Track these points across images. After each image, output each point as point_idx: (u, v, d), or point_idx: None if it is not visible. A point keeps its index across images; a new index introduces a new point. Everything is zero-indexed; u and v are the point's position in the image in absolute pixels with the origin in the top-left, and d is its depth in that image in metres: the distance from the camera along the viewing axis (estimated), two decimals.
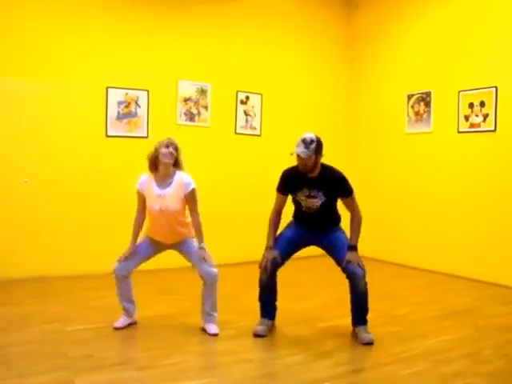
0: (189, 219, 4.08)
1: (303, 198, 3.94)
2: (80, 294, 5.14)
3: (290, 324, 4.31)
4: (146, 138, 6.33)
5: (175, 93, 6.54)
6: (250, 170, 7.05)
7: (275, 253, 3.98)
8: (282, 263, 4.06)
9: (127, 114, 6.24)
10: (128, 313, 4.17)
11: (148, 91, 6.33)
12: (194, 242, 4.06)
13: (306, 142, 3.77)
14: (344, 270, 3.90)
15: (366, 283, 3.89)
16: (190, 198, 3.95)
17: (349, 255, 3.86)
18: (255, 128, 7.17)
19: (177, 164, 3.98)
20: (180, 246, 4.09)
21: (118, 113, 6.18)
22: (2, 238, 5.59)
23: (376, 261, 6.96)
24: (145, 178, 4.06)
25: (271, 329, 4.11)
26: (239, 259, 6.56)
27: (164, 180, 3.95)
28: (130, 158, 6.25)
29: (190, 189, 3.91)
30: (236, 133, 7.00)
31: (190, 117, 6.61)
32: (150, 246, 4.12)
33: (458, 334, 4.11)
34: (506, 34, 5.79)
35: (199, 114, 6.67)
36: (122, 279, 4.11)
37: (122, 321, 4.12)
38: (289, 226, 4.19)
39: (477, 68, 6.13)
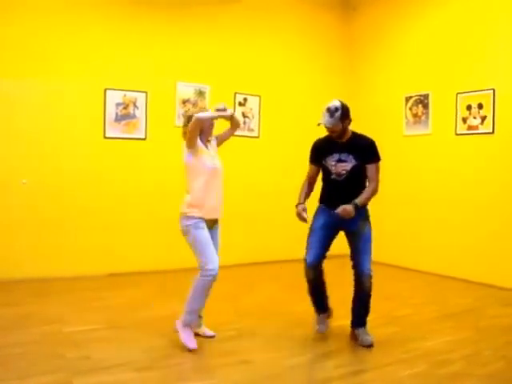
0: None
1: (333, 163, 3.87)
2: (79, 295, 5.13)
3: (290, 325, 4.30)
4: (144, 139, 6.32)
5: (173, 94, 6.54)
6: (248, 172, 7.04)
7: (304, 207, 3.92)
8: (324, 256, 3.98)
9: (125, 115, 6.23)
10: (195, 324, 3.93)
11: (146, 93, 6.32)
12: (218, 226, 4.09)
13: (330, 111, 3.75)
14: (353, 267, 3.93)
15: (371, 284, 3.90)
16: (220, 135, 4.26)
17: (342, 207, 3.71)
18: (253, 130, 7.17)
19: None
20: (213, 228, 3.96)
21: (117, 114, 6.17)
22: (2, 239, 5.57)
23: (374, 263, 6.94)
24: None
25: (328, 320, 4.14)
26: (238, 260, 6.56)
27: (207, 141, 4.04)
28: (129, 160, 6.25)
29: (214, 138, 4.15)
30: (234, 134, 6.98)
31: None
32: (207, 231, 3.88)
33: (458, 336, 4.12)
34: (504, 36, 5.82)
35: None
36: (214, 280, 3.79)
37: (193, 337, 3.77)
38: (316, 215, 4.04)
39: (475, 70, 6.15)
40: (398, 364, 3.50)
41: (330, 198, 3.96)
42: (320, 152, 3.98)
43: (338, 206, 3.75)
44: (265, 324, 4.32)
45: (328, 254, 4.03)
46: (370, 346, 3.83)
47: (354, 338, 3.97)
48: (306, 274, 3.98)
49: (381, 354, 3.69)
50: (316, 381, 3.23)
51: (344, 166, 3.84)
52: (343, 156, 3.85)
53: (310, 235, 4.02)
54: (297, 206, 3.97)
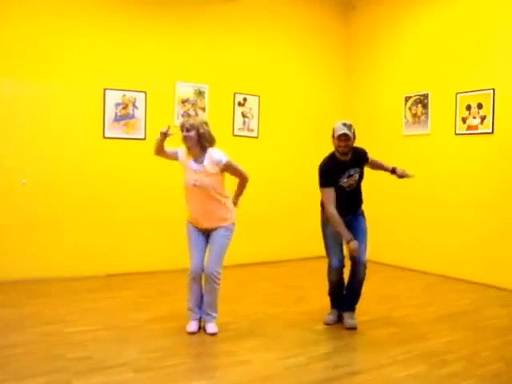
0: (226, 201, 4.10)
1: (345, 180, 4.23)
2: (78, 296, 5.13)
3: (288, 326, 4.31)
4: (144, 139, 6.32)
5: (173, 94, 6.54)
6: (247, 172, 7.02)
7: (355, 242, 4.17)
8: (344, 259, 4.37)
9: (125, 115, 6.23)
10: (198, 317, 4.18)
11: (145, 93, 6.32)
12: (224, 231, 4.08)
13: (346, 125, 4.11)
14: (351, 258, 4.25)
15: (365, 274, 4.27)
16: (228, 169, 4.06)
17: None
18: (253, 130, 7.17)
19: (202, 144, 4.01)
20: (213, 232, 4.08)
21: (116, 114, 6.17)
22: (0, 239, 5.57)
23: (374, 263, 6.95)
24: (184, 150, 4.12)
25: (339, 318, 4.42)
26: (236, 261, 6.55)
27: (197, 158, 4.03)
28: (128, 160, 6.25)
29: (222, 163, 3.98)
30: (234, 135, 7.00)
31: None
32: (200, 233, 4.12)
33: (456, 336, 4.12)
34: (504, 36, 5.81)
35: (197, 115, 6.65)
36: (198, 279, 4.09)
37: (194, 325, 4.12)
38: (326, 225, 4.38)
39: (474, 70, 6.14)
40: (396, 364, 3.51)
41: (341, 206, 4.23)
42: (334, 175, 4.22)
43: (347, 210, 4.27)
44: (263, 324, 4.33)
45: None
46: (352, 328, 4.21)
47: (341, 320, 4.36)
48: (331, 277, 4.38)
49: (379, 354, 3.69)
50: (314, 381, 3.22)
51: (354, 178, 4.28)
52: (351, 171, 4.25)
53: (327, 242, 4.39)
54: (350, 241, 4.12)
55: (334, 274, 4.33)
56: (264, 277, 6.31)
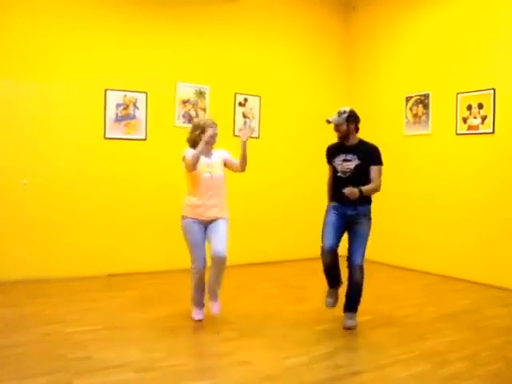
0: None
1: (340, 162, 4.33)
2: (79, 296, 5.12)
3: (290, 326, 4.31)
4: (145, 139, 6.32)
5: (174, 95, 6.54)
6: (247, 173, 6.99)
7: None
8: (337, 245, 4.35)
9: (125, 116, 6.23)
10: (203, 305, 4.42)
11: (146, 93, 6.32)
12: (225, 222, 4.32)
13: (339, 112, 4.32)
14: (348, 259, 4.33)
15: (362, 275, 4.28)
16: (231, 158, 4.48)
17: (349, 188, 4.13)
18: (253, 130, 7.16)
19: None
20: (213, 223, 4.27)
21: (117, 115, 6.17)
22: (0, 239, 5.57)
23: (374, 263, 6.95)
24: (191, 150, 4.27)
25: (337, 296, 4.52)
26: (237, 261, 6.55)
27: (207, 153, 4.33)
28: (129, 160, 6.25)
29: (226, 154, 4.49)
30: (234, 135, 6.99)
31: (189, 119, 6.60)
32: (200, 229, 4.27)
33: (457, 336, 4.12)
34: (505, 36, 5.81)
35: (198, 116, 6.66)
36: (203, 274, 4.26)
37: (201, 313, 4.38)
38: (327, 212, 4.47)
39: (475, 70, 6.14)
40: (397, 364, 3.51)
41: (336, 193, 4.34)
42: (330, 153, 4.47)
43: (347, 201, 4.23)
44: (264, 325, 4.33)
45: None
46: (348, 328, 4.22)
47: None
48: (323, 258, 4.39)
49: (380, 354, 3.69)
50: (315, 381, 3.22)
51: (348, 165, 4.28)
52: (348, 156, 4.29)
53: (323, 228, 4.42)
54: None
55: (326, 256, 4.35)
56: (264, 277, 6.31)
